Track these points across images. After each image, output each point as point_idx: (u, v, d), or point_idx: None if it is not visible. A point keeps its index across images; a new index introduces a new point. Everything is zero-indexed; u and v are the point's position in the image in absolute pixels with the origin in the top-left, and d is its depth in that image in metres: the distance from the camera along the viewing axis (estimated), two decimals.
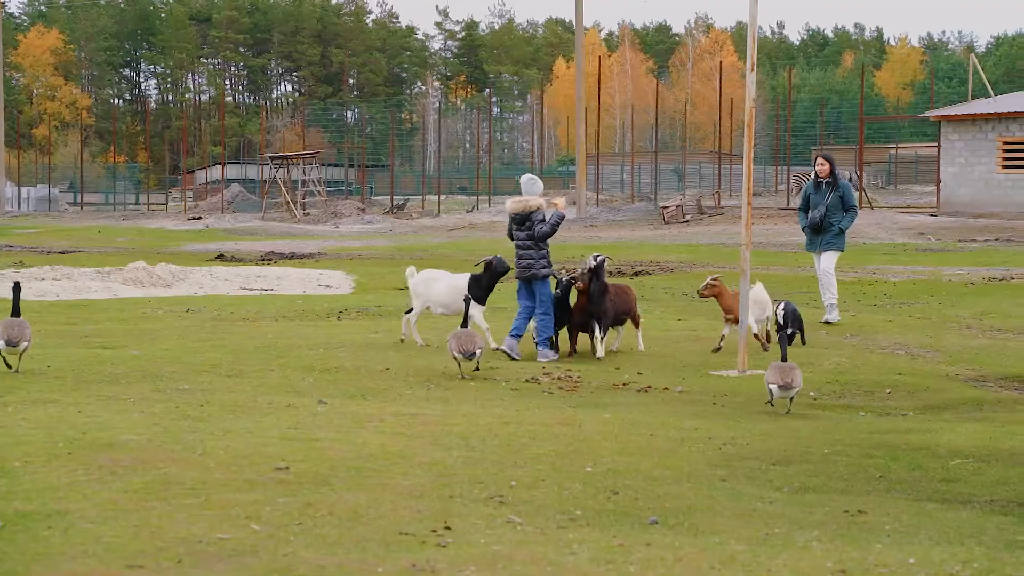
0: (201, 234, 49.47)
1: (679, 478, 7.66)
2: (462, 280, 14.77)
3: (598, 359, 14.00)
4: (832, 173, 17.20)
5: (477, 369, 12.38)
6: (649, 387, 12.02)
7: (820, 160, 17.28)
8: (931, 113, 50.17)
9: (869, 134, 78.93)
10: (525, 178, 14.81)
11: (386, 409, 9.83)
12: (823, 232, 17.23)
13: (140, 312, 18.91)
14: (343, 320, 18.03)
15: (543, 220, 14.28)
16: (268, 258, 33.97)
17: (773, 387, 10.55)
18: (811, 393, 11.72)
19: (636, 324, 14.84)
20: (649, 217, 52.45)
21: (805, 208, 17.44)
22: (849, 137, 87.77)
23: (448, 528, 5.98)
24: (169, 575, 5.11)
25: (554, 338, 14.33)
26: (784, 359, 10.76)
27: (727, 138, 74.25)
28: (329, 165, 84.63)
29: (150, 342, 14.34)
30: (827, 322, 16.91)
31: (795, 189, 64.61)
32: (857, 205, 17.34)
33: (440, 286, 14.86)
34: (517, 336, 14.15)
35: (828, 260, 17.29)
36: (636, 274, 25.38)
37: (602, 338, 14.21)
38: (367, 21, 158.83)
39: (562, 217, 14.47)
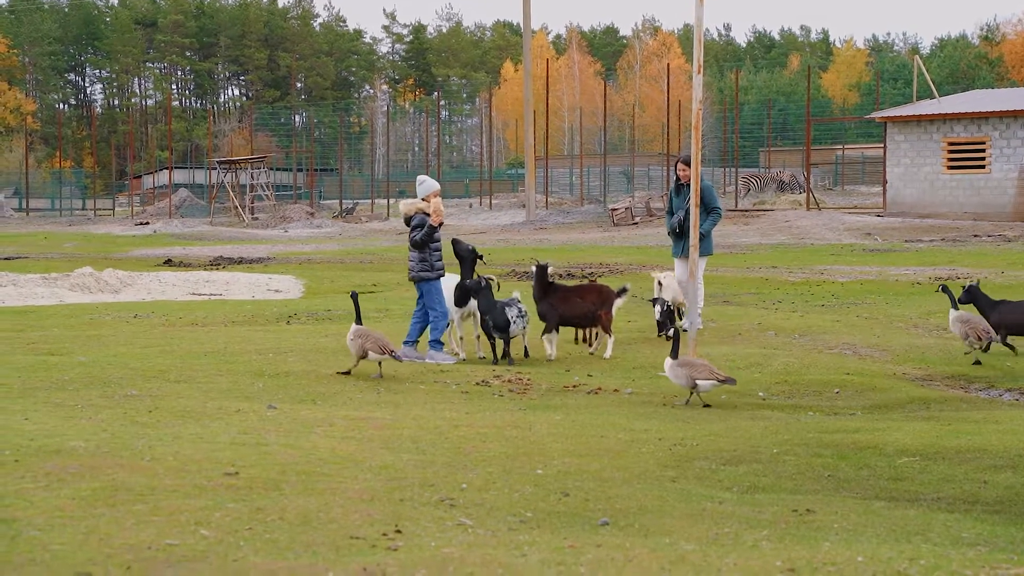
0: (149, 239, 49.17)
1: (629, 479, 7.68)
2: (450, 281, 14.82)
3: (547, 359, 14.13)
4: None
5: (380, 375, 12.31)
6: (599, 389, 12.05)
7: (681, 164, 16.26)
8: (877, 114, 50.50)
9: (816, 135, 79.39)
10: (417, 179, 14.80)
11: (336, 413, 9.80)
12: (684, 237, 15.98)
13: (87, 318, 18.76)
14: (293, 324, 17.96)
15: (420, 225, 14.29)
16: (217, 263, 33.82)
17: (707, 383, 10.85)
18: (760, 393, 11.80)
19: (606, 330, 14.65)
20: (598, 219, 52.58)
21: (670, 212, 16.79)
22: (796, 139, 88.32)
23: (399, 531, 5.96)
24: None
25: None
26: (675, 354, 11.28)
27: (675, 140, 74.40)
28: (277, 169, 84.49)
29: (98, 348, 14.23)
30: (684, 329, 16.33)
31: (744, 191, 65.04)
32: (720, 207, 16.75)
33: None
34: (413, 343, 14.16)
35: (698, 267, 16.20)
36: (585, 276, 25.41)
37: (548, 338, 14.35)
38: (314, 25, 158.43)
39: (432, 227, 14.28)
